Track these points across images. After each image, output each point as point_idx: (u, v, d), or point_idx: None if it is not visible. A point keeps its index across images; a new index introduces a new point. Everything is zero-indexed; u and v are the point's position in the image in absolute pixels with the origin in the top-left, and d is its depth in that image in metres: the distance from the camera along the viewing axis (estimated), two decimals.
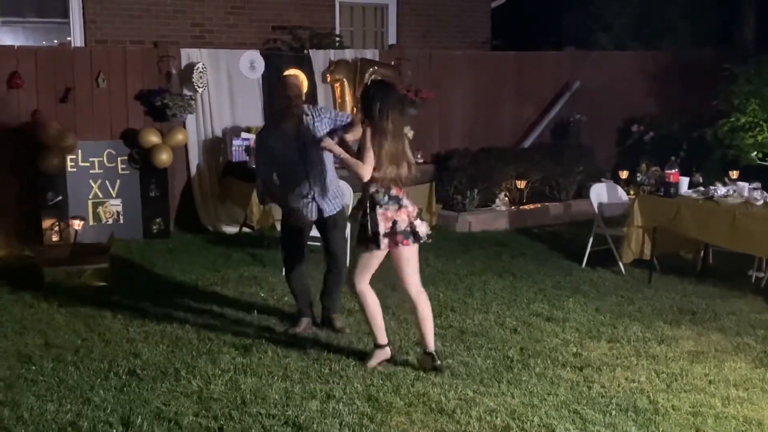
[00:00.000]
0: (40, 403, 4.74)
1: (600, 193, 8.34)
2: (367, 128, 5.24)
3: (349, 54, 10.24)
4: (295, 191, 5.78)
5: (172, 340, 5.82)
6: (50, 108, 8.61)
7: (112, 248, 7.54)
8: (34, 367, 5.30)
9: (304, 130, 5.71)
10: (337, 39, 10.83)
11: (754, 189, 7.28)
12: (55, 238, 8.20)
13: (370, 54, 10.42)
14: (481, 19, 12.90)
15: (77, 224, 8.05)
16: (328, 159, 5.79)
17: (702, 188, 7.58)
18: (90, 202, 8.79)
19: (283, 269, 6.16)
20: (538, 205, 10.44)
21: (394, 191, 5.25)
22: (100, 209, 8.84)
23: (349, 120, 5.86)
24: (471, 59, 11.40)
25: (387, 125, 5.21)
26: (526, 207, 10.34)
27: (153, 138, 8.80)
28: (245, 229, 9.00)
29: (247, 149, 9.09)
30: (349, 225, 6.35)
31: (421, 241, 5.31)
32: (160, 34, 10.15)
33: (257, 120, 9.53)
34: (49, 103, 8.62)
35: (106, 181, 8.85)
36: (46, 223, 8.25)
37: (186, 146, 9.29)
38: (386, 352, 5.42)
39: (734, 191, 7.33)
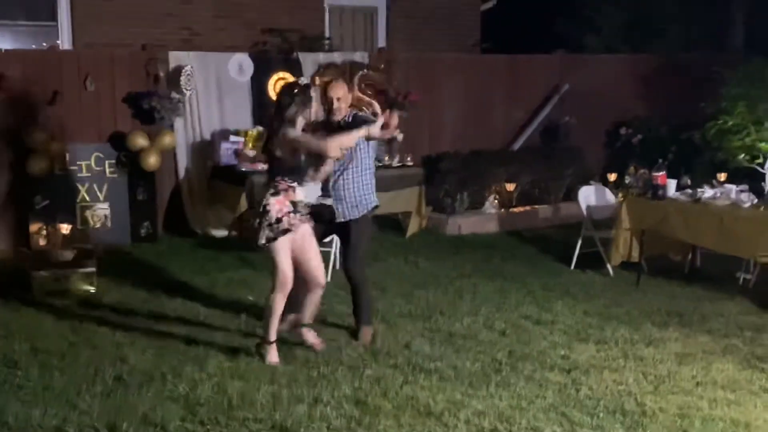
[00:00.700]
0: (26, 409, 4.71)
1: (588, 195, 8.36)
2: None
3: (338, 57, 10.22)
4: None
5: (159, 344, 5.79)
6: (38, 111, 8.57)
7: (100, 252, 7.51)
8: (20, 372, 5.27)
9: None
10: (327, 42, 10.82)
11: (742, 191, 7.30)
12: (42, 242, 8.15)
13: (360, 57, 10.41)
14: (471, 22, 12.91)
15: (65, 228, 8.01)
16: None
17: (690, 191, 7.59)
18: (78, 206, 8.75)
19: None
20: (528, 208, 10.46)
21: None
22: (87, 213, 8.80)
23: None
24: (461, 62, 11.41)
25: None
26: (515, 210, 10.36)
27: (141, 141, 8.77)
28: (234, 233, 8.97)
29: (236, 152, 9.07)
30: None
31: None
32: (149, 37, 10.13)
33: (246, 123, 9.51)
34: (37, 106, 8.58)
35: (94, 185, 8.82)
36: (34, 227, 8.20)
37: (174, 149, 9.27)
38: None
39: (722, 193, 7.35)
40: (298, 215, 5.37)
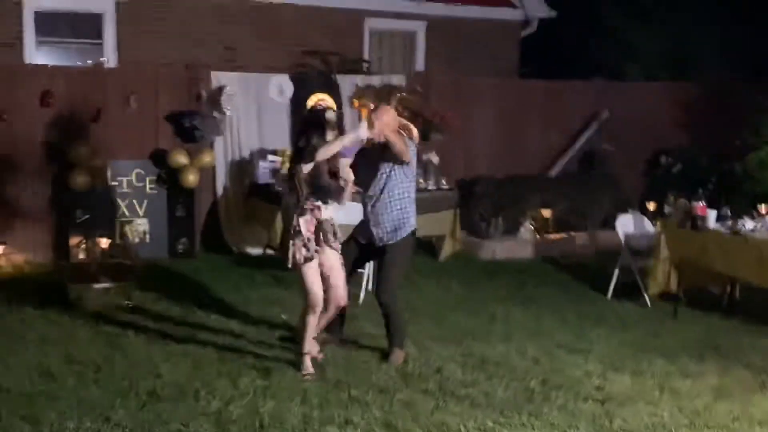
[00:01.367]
0: (61, 420, 4.77)
1: (626, 223, 8.28)
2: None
3: (376, 80, 10.29)
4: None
5: (193, 360, 5.83)
6: (82, 127, 8.73)
7: (138, 267, 7.60)
8: (55, 383, 5.34)
9: None
10: (365, 65, 10.89)
11: None
12: (81, 255, 8.26)
13: (398, 80, 10.46)
14: (509, 47, 12.92)
15: (104, 242, 8.11)
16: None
17: (730, 222, 7.49)
18: (117, 221, 8.87)
19: None
20: (564, 235, 10.38)
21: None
22: (127, 228, 8.92)
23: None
24: (498, 87, 11.40)
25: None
26: (551, 236, 10.28)
27: (181, 159, 8.88)
28: (269, 251, 9.03)
29: (273, 171, 9.15)
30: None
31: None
32: (192, 56, 10.29)
33: (284, 143, 9.58)
34: (81, 122, 8.74)
35: (134, 201, 8.95)
36: (74, 241, 8.30)
37: (213, 167, 9.37)
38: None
39: (762, 226, 7.24)
40: (323, 237, 5.48)
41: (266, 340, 6.33)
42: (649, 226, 8.35)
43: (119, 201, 8.89)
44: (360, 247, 6.04)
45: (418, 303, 7.44)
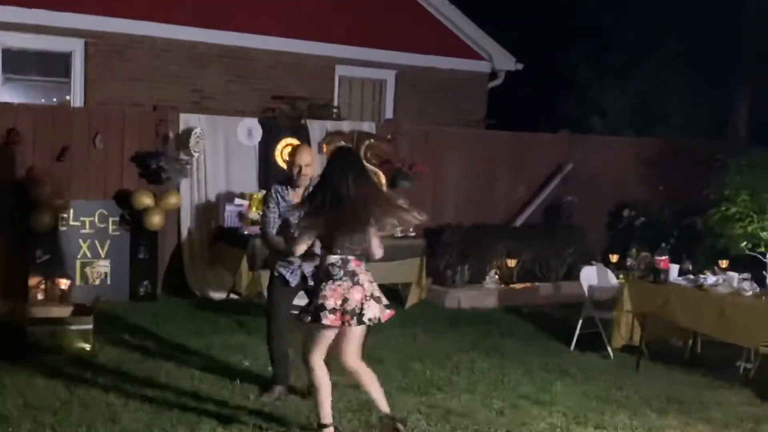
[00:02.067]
0: None
1: (590, 275, 8.34)
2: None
3: (346, 126, 10.35)
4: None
5: (152, 406, 5.71)
6: (46, 166, 8.63)
7: (97, 310, 7.46)
8: (11, 429, 5.18)
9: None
10: (335, 111, 10.96)
11: (744, 279, 7.28)
12: (40, 296, 8.11)
13: (367, 127, 10.53)
14: (477, 98, 13.10)
15: (64, 284, 7.97)
16: None
17: (692, 276, 7.59)
18: (78, 262, 8.74)
19: (266, 334, 6.10)
20: (528, 285, 10.43)
21: (351, 265, 5.05)
22: (87, 269, 8.78)
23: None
24: (466, 137, 11.54)
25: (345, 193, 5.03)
26: (516, 286, 10.33)
27: (146, 200, 8.81)
28: (233, 296, 8.93)
29: (240, 215, 9.10)
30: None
31: (365, 324, 5.07)
32: (160, 97, 10.28)
33: (252, 186, 9.56)
34: (45, 161, 8.65)
35: (96, 241, 8.83)
36: (33, 281, 8.17)
37: (179, 209, 9.29)
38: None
39: (724, 281, 7.34)
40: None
41: (227, 387, 6.22)
42: (612, 279, 8.43)
43: (81, 242, 8.76)
44: (285, 296, 6.02)
45: (384, 352, 7.38)
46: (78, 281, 8.62)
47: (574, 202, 11.66)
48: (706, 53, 14.53)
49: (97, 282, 8.79)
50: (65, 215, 8.64)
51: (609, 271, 8.54)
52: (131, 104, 9.99)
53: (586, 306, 8.10)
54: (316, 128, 10.12)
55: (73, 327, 7.04)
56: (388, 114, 12.25)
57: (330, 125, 10.25)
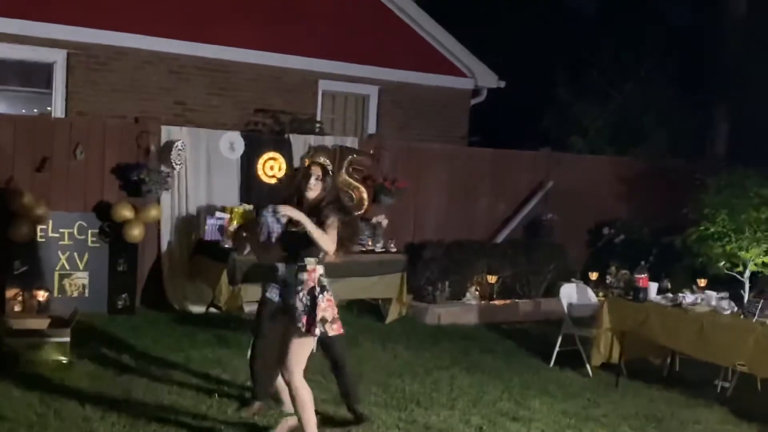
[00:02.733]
0: None
1: (570, 293, 8.38)
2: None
3: (328, 140, 10.35)
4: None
5: (128, 420, 5.65)
6: (25, 176, 8.57)
7: (75, 322, 7.39)
8: None
9: None
10: (318, 125, 10.97)
11: (722, 299, 7.35)
12: (17, 308, 8.04)
13: (350, 142, 10.54)
14: (460, 115, 13.15)
15: (41, 296, 7.91)
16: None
17: (670, 295, 7.64)
18: (56, 274, 8.66)
19: (249, 350, 6.06)
20: (508, 301, 10.46)
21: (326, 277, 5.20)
22: (66, 281, 8.71)
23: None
24: (448, 153, 11.58)
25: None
26: (496, 302, 10.34)
27: (126, 212, 8.76)
28: (212, 309, 8.88)
29: (221, 228, 9.06)
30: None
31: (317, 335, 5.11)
32: (142, 109, 10.25)
33: (233, 200, 9.53)
34: (25, 172, 8.59)
35: (75, 253, 8.76)
36: (10, 293, 8.09)
37: (159, 222, 9.25)
38: None
39: (702, 300, 7.39)
40: None
41: (206, 401, 6.18)
42: (592, 296, 8.47)
43: (59, 253, 8.69)
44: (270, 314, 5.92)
45: (365, 367, 7.36)
46: (56, 293, 8.54)
47: (555, 220, 11.72)
48: (686, 73, 14.71)
49: (75, 294, 8.72)
50: (44, 226, 8.57)
51: (588, 289, 8.59)
52: (113, 116, 9.94)
53: (566, 323, 8.13)
54: (299, 142, 10.12)
55: (51, 339, 6.96)
56: (371, 129, 12.27)
57: (313, 140, 10.25)
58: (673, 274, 9.36)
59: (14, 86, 10.27)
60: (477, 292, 10.33)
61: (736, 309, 7.18)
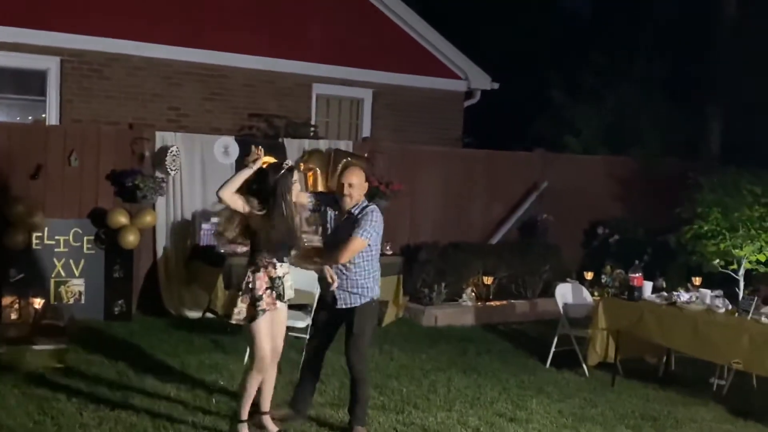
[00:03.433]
0: None
1: (565, 293, 8.40)
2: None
3: (323, 144, 10.37)
4: None
5: (125, 427, 5.66)
6: (20, 184, 8.57)
7: (71, 329, 7.40)
8: None
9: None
10: (312, 129, 10.98)
11: (716, 297, 7.38)
12: (14, 316, 8.04)
13: (344, 145, 10.55)
14: (454, 117, 13.17)
15: (37, 303, 7.90)
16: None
17: (665, 293, 7.67)
18: (52, 281, 8.66)
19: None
20: (504, 302, 10.48)
21: None
22: (62, 288, 8.71)
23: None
24: (443, 155, 11.59)
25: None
26: (492, 303, 10.36)
27: (121, 219, 8.76)
28: (209, 315, 8.89)
29: (216, 233, 9.04)
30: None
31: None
32: (136, 115, 10.26)
33: None
34: (19, 179, 8.59)
35: (71, 260, 8.76)
36: (6, 301, 8.09)
37: (154, 228, 9.26)
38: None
39: (697, 298, 7.43)
40: (274, 293, 5.37)
41: (203, 407, 6.18)
42: (587, 296, 8.49)
43: (55, 260, 8.70)
44: (329, 312, 5.89)
45: None
46: (52, 300, 8.53)
47: (550, 220, 11.75)
48: (679, 74, 14.75)
49: (72, 301, 8.72)
50: (39, 234, 8.57)
51: (584, 289, 8.60)
52: (107, 122, 9.94)
53: (561, 323, 8.15)
54: (294, 147, 10.13)
55: (47, 346, 6.97)
56: (366, 132, 12.29)
57: (307, 144, 10.26)
58: (667, 273, 9.42)
59: (8, 94, 10.27)
60: (473, 294, 10.35)
61: (730, 307, 7.22)
